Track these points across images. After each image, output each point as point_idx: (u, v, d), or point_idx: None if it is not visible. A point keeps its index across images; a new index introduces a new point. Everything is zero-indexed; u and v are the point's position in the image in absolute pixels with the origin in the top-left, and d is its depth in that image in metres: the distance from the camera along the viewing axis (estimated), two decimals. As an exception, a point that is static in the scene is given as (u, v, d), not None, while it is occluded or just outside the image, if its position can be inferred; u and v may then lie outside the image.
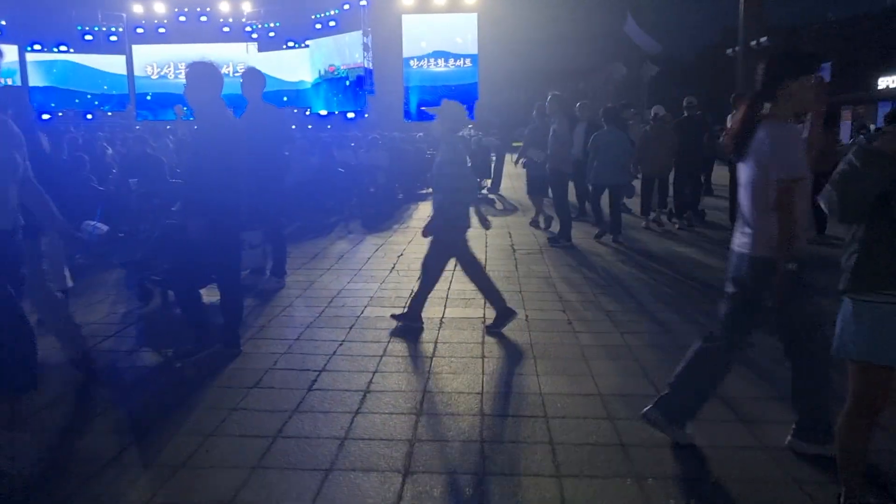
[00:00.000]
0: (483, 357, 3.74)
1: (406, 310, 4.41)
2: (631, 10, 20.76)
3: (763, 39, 19.99)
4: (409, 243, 7.30)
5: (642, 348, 3.86)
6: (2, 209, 2.90)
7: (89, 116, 28.13)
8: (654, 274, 5.94)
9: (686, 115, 8.55)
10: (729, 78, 22.18)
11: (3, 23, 27.55)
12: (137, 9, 29.50)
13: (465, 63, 23.66)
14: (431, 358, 3.75)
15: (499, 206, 10.56)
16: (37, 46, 28.59)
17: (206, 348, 3.74)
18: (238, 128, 4.05)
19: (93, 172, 7.20)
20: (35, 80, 28.57)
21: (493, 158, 12.31)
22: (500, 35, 23.44)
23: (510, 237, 7.67)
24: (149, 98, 29.81)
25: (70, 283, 4.50)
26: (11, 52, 27.92)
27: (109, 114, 28.68)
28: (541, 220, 8.31)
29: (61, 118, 27.27)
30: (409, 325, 4.28)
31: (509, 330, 4.16)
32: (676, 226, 8.28)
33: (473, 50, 23.62)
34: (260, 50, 29.81)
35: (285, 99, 28.03)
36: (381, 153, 9.87)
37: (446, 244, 4.37)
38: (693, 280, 5.73)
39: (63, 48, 29.00)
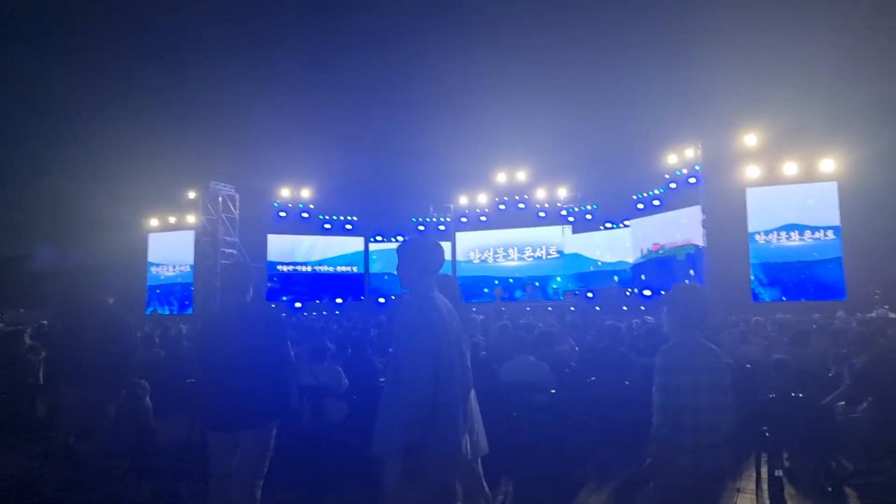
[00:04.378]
0: None
1: None
2: None
3: None
4: None
5: None
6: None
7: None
8: None
9: None
10: None
11: (355, 218, 31.53)
12: (463, 200, 31.92)
13: (825, 235, 20.98)
14: None
15: None
16: (378, 237, 31.97)
17: None
18: None
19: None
20: (375, 267, 31.69)
21: None
22: (868, 203, 20.62)
23: None
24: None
25: None
26: (358, 242, 31.70)
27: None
28: None
29: (395, 300, 29.52)
30: None
31: None
32: None
33: (835, 221, 20.97)
34: (575, 232, 30.09)
35: (615, 279, 27.57)
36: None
37: None
38: None
39: (399, 238, 32.01)
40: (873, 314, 14.47)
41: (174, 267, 28.63)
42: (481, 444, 3.75)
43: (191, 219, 28.48)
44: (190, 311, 27.45)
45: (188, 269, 28.31)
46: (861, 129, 21.49)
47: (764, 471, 5.00)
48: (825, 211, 20.99)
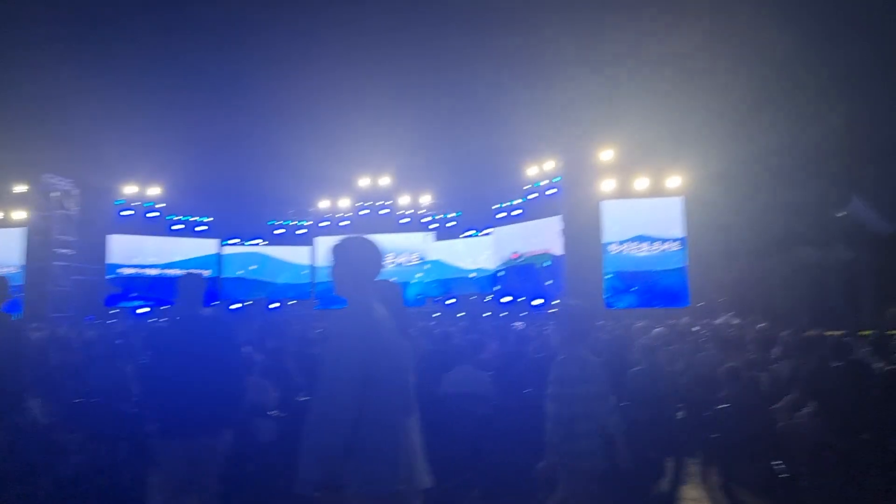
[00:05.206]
0: None
1: None
2: (853, 184, 19.38)
3: None
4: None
5: None
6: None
7: (275, 305, 28.86)
8: None
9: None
10: None
11: (209, 220, 29.59)
12: (323, 204, 31.15)
13: (671, 246, 22.74)
14: None
15: None
16: (233, 240, 30.26)
17: None
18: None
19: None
20: (229, 271, 29.97)
21: None
22: (708, 217, 22.60)
23: None
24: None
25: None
26: (212, 245, 29.80)
27: (291, 303, 29.34)
28: None
29: (251, 307, 28.22)
30: None
31: None
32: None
33: (680, 233, 22.77)
34: (437, 239, 30.34)
35: (473, 275, 28.06)
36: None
37: None
38: None
39: (258, 241, 30.54)
40: (719, 320, 15.74)
41: (-3, 268, 25.28)
42: (419, 475, 3.19)
43: (18, 215, 25.39)
44: (13, 317, 24.30)
45: (16, 270, 25.14)
46: (703, 150, 23.50)
47: (711, 477, 5.19)
48: (671, 223, 22.72)
